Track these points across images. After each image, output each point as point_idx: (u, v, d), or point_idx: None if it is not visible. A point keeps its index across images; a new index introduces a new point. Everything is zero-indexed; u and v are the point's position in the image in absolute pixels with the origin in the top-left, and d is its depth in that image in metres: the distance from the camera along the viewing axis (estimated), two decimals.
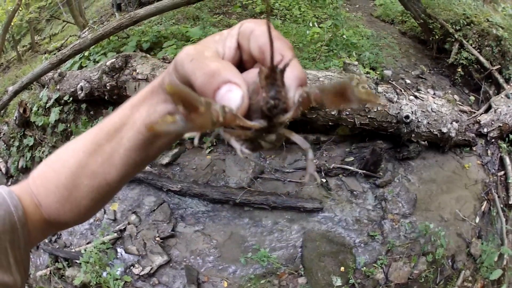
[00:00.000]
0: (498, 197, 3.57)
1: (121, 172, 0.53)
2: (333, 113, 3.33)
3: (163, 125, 0.35)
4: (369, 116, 3.35)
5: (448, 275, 3.16)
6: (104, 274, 3.23)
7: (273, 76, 0.39)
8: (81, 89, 3.98)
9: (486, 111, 3.99)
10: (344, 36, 4.24)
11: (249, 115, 0.41)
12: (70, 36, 7.74)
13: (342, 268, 3.11)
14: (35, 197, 0.57)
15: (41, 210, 0.57)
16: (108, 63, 3.69)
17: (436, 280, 3.13)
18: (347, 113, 3.34)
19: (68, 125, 4.44)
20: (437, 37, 4.75)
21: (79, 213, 0.57)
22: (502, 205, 3.50)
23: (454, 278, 3.15)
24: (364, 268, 3.13)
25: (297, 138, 0.44)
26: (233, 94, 0.38)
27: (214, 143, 3.74)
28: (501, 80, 4.27)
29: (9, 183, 4.79)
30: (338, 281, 3.05)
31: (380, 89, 3.34)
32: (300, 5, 5.51)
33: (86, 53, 4.71)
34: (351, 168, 3.55)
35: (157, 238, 3.41)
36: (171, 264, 3.31)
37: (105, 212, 3.70)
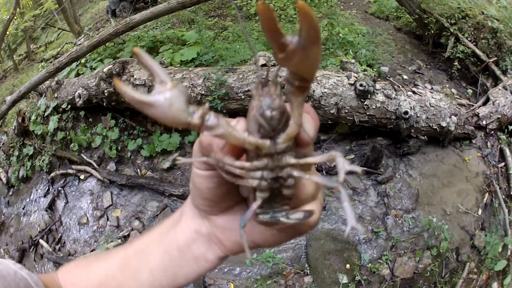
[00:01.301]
0: (500, 188, 3.58)
1: None
2: (332, 111, 3.34)
3: (130, 89, 0.34)
4: (368, 113, 3.36)
5: (453, 268, 3.17)
6: None
7: (266, 86, 0.37)
8: (79, 96, 3.98)
9: (484, 103, 4.00)
10: (340, 35, 4.24)
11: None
12: (66, 43, 7.74)
13: (348, 266, 3.12)
14: None
15: None
16: (105, 70, 3.70)
17: (441, 273, 3.13)
18: (346, 111, 3.34)
19: (67, 133, 4.44)
20: (432, 31, 4.75)
21: None
22: (504, 196, 3.51)
23: (459, 270, 3.15)
24: (370, 264, 3.14)
25: (320, 178, 0.40)
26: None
27: None
28: (498, 72, 4.27)
29: (10, 193, 4.78)
30: (344, 279, 3.05)
31: (378, 86, 3.35)
32: (295, 5, 5.51)
33: (83, 60, 4.71)
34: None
35: None
36: None
37: (108, 219, 3.70)
